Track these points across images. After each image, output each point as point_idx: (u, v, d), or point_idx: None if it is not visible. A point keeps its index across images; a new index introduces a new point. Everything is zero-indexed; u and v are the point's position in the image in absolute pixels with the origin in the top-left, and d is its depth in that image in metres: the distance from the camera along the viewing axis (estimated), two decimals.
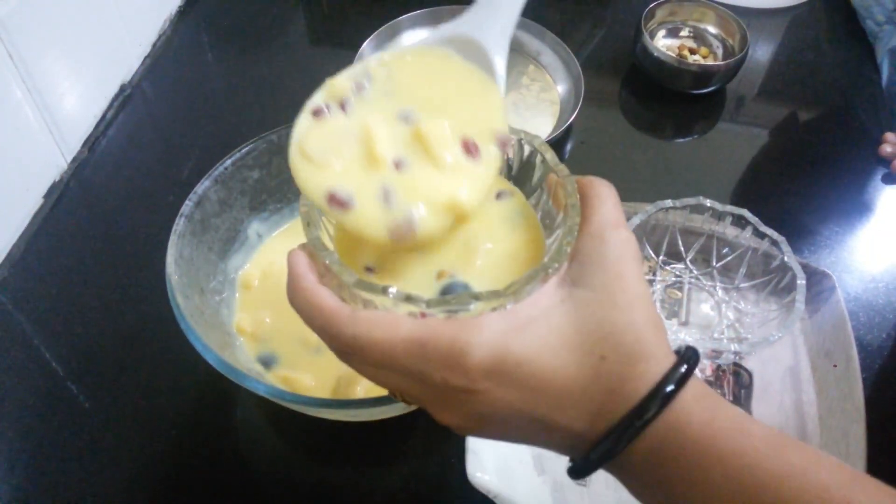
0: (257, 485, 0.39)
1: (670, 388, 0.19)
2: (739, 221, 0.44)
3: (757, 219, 0.43)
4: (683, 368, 0.20)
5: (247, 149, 0.41)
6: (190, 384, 0.42)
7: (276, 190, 0.44)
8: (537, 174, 0.26)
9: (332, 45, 0.67)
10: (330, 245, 0.24)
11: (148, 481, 0.39)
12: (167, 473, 0.39)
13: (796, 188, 0.55)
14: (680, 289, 0.47)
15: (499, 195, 0.27)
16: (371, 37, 0.60)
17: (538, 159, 0.26)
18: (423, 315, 0.21)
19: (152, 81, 0.61)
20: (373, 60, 0.28)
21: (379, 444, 0.41)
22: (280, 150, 0.42)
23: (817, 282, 0.45)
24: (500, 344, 0.19)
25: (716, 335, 0.45)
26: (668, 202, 0.44)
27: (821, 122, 0.60)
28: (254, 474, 0.40)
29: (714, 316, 0.46)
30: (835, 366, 0.42)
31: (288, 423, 0.41)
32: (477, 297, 0.20)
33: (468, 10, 0.27)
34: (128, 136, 0.57)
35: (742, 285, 0.46)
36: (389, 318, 0.20)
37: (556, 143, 0.55)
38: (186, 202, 0.38)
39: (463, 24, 0.26)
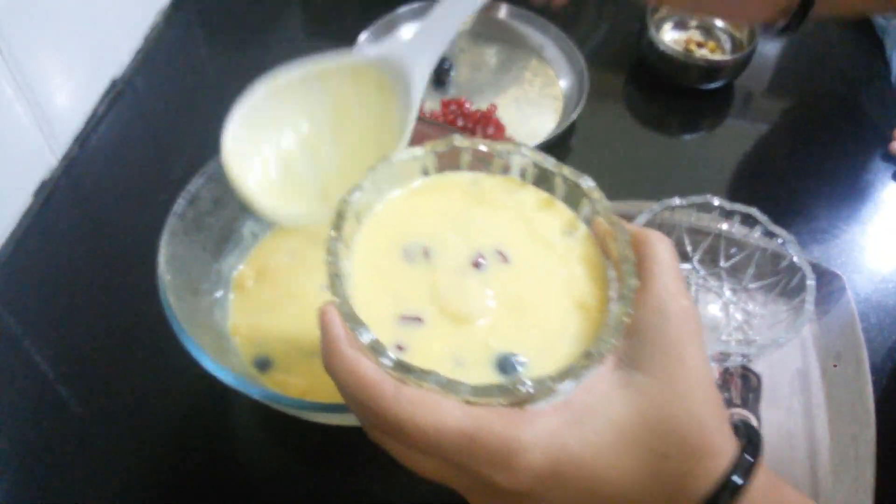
0: (251, 489, 0.39)
1: (738, 481, 0.18)
2: (748, 220, 0.43)
3: (766, 217, 0.42)
4: (750, 460, 0.19)
5: None
6: (183, 387, 0.42)
7: None
8: (585, 209, 0.25)
9: (328, 39, 0.65)
10: (352, 284, 0.23)
11: (140, 485, 0.38)
12: (160, 478, 0.39)
13: (805, 186, 0.54)
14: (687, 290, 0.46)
15: (562, 233, 0.25)
16: (367, 30, 0.59)
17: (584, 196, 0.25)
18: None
19: (145, 76, 0.59)
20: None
21: (375, 449, 0.40)
22: None
23: (827, 282, 0.44)
24: (556, 444, 0.18)
25: (723, 337, 0.44)
26: (675, 200, 0.43)
27: (830, 119, 0.59)
28: (248, 479, 0.39)
29: (721, 317, 0.45)
30: (834, 366, 0.41)
31: (283, 426, 0.41)
32: (528, 388, 0.19)
33: (402, 43, 0.32)
34: (119, 132, 0.56)
35: (750, 286, 0.45)
36: (437, 403, 0.19)
37: (560, 140, 0.54)
38: (179, 200, 0.37)
39: (394, 50, 0.31)
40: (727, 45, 0.61)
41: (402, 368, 0.20)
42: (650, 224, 0.44)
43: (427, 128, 0.41)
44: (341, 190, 0.28)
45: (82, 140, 0.54)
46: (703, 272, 0.46)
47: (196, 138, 0.56)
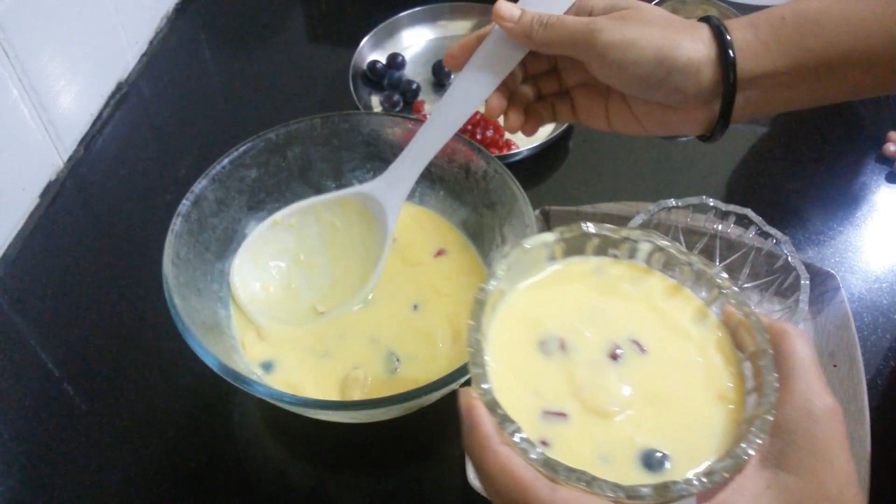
0: (255, 488, 0.39)
1: None
2: (742, 221, 0.43)
3: (760, 218, 0.43)
4: None
5: (244, 147, 0.40)
6: (187, 385, 0.42)
7: (273, 189, 0.43)
8: (714, 296, 0.24)
9: (330, 43, 0.66)
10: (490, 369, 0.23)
11: (145, 483, 0.39)
12: (164, 475, 0.39)
13: (800, 187, 0.55)
14: None
15: (694, 320, 0.25)
16: (369, 34, 0.60)
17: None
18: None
19: (149, 79, 0.60)
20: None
21: (378, 448, 0.40)
22: (278, 149, 0.42)
23: (821, 282, 0.44)
24: None
25: None
26: (671, 201, 0.43)
27: (825, 121, 0.60)
28: (252, 477, 0.39)
29: None
30: (834, 366, 0.41)
31: (286, 425, 0.41)
32: (680, 488, 0.19)
33: (378, 178, 0.39)
34: (124, 134, 0.56)
35: (745, 286, 0.45)
36: (591, 503, 0.19)
37: (558, 142, 0.55)
38: (183, 201, 0.38)
39: (372, 187, 0.39)
40: None
41: (551, 467, 0.20)
42: (646, 224, 0.44)
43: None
44: (330, 301, 0.38)
45: (88, 142, 0.55)
46: None
47: (200, 140, 0.56)
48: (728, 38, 0.30)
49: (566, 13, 0.32)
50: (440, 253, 0.43)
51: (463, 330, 0.39)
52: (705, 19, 0.31)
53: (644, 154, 0.57)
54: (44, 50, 0.49)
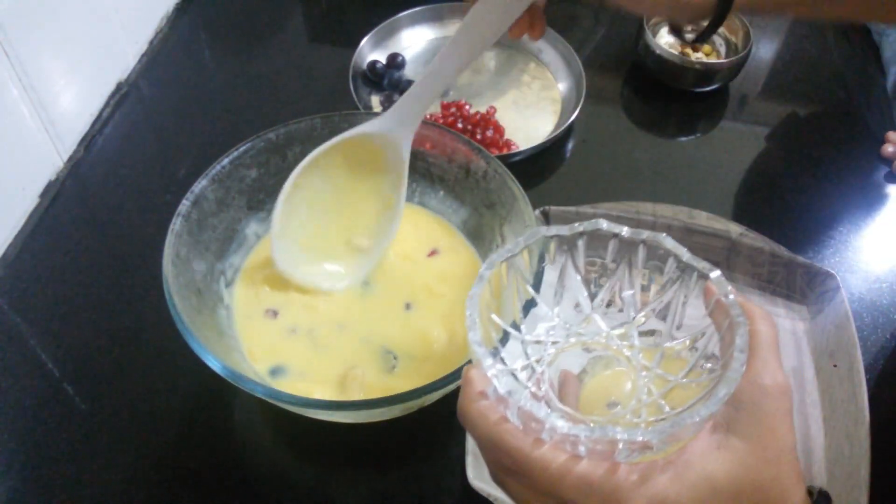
0: (255, 487, 0.39)
1: None
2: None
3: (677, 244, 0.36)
4: None
5: (244, 147, 0.40)
6: (187, 385, 0.42)
7: (273, 189, 0.43)
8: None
9: (330, 43, 0.66)
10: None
11: (145, 483, 0.39)
12: (164, 476, 0.39)
13: (800, 187, 0.55)
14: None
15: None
16: (369, 34, 0.60)
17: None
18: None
19: (149, 79, 0.60)
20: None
21: (379, 448, 0.40)
22: (278, 149, 0.42)
23: (821, 282, 0.44)
24: (659, 494, 0.21)
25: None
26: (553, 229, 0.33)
27: (824, 121, 0.60)
28: (251, 476, 0.39)
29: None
30: (835, 366, 0.41)
31: (287, 425, 0.41)
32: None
33: (386, 112, 0.39)
34: (124, 134, 0.56)
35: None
36: (567, 454, 0.22)
37: (558, 142, 0.55)
38: (183, 201, 0.38)
39: (382, 121, 0.39)
40: (722, 49, 0.62)
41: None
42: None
43: (427, 130, 0.42)
44: (355, 242, 0.38)
45: (88, 142, 0.55)
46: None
47: (200, 140, 0.56)
48: None
49: None
50: (433, 253, 0.43)
51: (456, 331, 0.39)
52: None
53: (644, 154, 0.57)
54: (44, 50, 0.49)
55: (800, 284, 0.45)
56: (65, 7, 0.51)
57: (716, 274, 0.24)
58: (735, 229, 0.44)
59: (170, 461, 0.39)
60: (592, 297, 0.28)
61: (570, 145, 0.57)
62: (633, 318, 0.27)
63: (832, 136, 0.59)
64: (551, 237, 0.26)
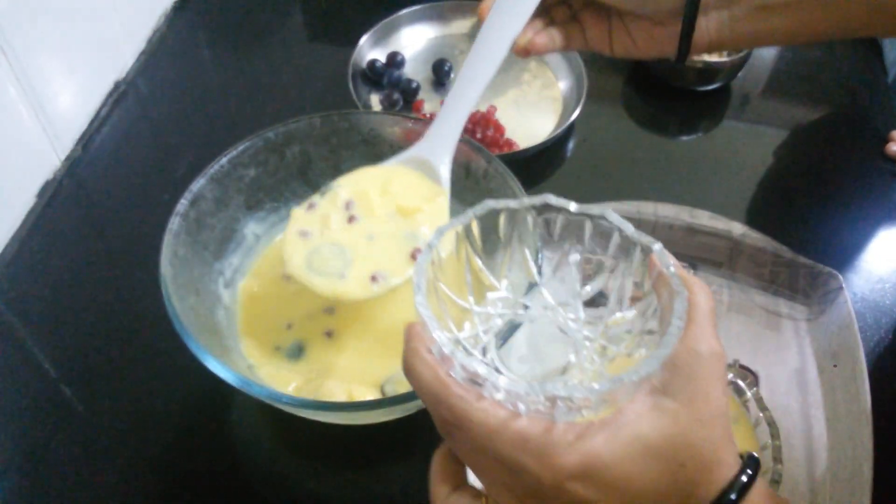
0: (254, 489, 0.39)
1: (734, 495, 0.22)
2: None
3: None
4: (745, 478, 0.23)
5: (243, 146, 0.40)
6: (185, 386, 0.42)
7: (272, 188, 0.43)
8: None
9: (329, 41, 0.66)
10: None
11: (143, 485, 0.39)
12: (162, 477, 0.39)
13: (802, 187, 0.54)
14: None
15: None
16: (369, 33, 0.60)
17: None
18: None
19: (147, 78, 0.60)
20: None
21: (378, 448, 0.40)
22: (277, 148, 0.42)
23: (824, 282, 0.44)
24: (592, 451, 0.22)
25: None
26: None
27: (827, 120, 0.59)
28: (250, 478, 0.39)
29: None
30: (834, 366, 0.41)
31: (285, 426, 0.41)
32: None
33: (422, 139, 0.39)
34: (122, 133, 0.56)
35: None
36: (507, 411, 0.23)
37: (558, 141, 0.55)
38: (181, 200, 0.37)
39: (418, 149, 0.39)
40: None
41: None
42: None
43: (426, 128, 0.41)
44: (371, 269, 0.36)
45: (85, 141, 0.55)
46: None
47: (198, 139, 0.56)
48: None
49: None
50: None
51: None
52: None
53: (645, 154, 0.57)
54: (42, 49, 0.49)
55: (802, 284, 0.45)
56: (62, 6, 0.50)
57: (658, 247, 0.25)
58: (737, 229, 0.44)
59: (167, 462, 0.39)
60: (540, 270, 0.29)
61: (570, 144, 0.57)
62: (579, 292, 0.28)
63: (835, 134, 0.58)
64: (500, 210, 0.27)
